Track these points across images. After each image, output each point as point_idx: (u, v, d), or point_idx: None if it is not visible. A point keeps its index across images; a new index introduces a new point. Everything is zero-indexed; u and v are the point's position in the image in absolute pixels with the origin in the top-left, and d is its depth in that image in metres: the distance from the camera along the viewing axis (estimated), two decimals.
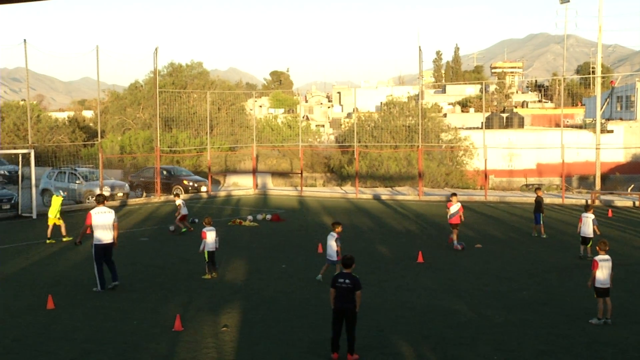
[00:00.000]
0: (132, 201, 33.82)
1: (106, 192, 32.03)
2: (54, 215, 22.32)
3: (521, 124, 53.75)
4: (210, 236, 16.68)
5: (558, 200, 32.79)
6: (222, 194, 38.45)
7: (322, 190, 40.16)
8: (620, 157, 47.50)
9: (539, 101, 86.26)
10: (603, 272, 12.60)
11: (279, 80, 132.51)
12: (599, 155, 36.52)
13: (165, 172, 37.62)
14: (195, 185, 37.62)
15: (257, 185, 40.39)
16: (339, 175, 45.76)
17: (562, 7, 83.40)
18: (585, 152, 42.56)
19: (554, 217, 27.17)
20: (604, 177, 40.17)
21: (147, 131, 51.16)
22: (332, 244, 15.86)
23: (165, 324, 12.57)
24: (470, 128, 51.09)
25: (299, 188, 39.42)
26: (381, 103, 58.55)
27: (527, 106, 77.39)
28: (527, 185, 43.16)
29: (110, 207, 16.41)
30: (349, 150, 43.40)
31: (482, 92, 47.80)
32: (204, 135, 44.02)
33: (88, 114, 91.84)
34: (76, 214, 28.31)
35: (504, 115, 55.73)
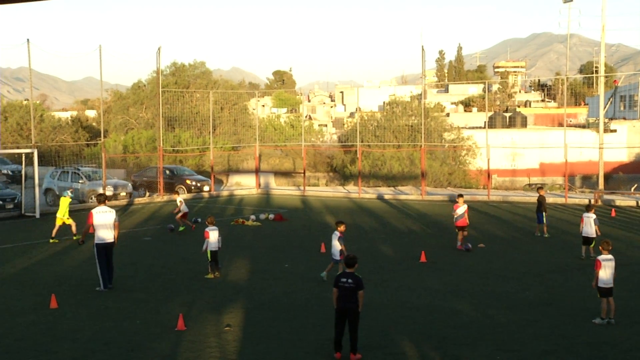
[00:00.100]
0: (135, 200, 33.85)
1: (109, 191, 32.06)
2: (62, 215, 22.33)
3: (524, 124, 53.67)
4: (213, 236, 16.70)
5: (561, 200, 32.75)
6: (225, 193, 38.46)
7: (324, 190, 40.15)
8: (624, 156, 47.40)
9: (542, 101, 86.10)
10: (606, 271, 12.58)
11: (282, 79, 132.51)
12: (602, 154, 36.43)
13: (168, 172, 37.64)
14: (198, 184, 37.65)
15: (259, 185, 40.40)
16: (342, 175, 45.75)
17: (565, 7, 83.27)
18: (588, 152, 42.46)
19: (557, 216, 27.14)
20: (607, 177, 40.07)
21: (150, 131, 51.18)
22: (336, 243, 15.89)
23: (168, 323, 12.58)
24: (473, 127, 51.04)
25: (301, 188, 39.41)
26: (384, 102, 58.50)
27: (530, 106, 77.27)
28: (530, 185, 43.08)
29: (116, 207, 16.44)
30: (352, 150, 43.38)
31: (484, 92, 47.78)
32: (207, 135, 44.04)
33: (91, 113, 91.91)
34: (79, 214, 28.32)
35: (507, 114, 55.65)
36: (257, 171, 40.96)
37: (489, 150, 35.07)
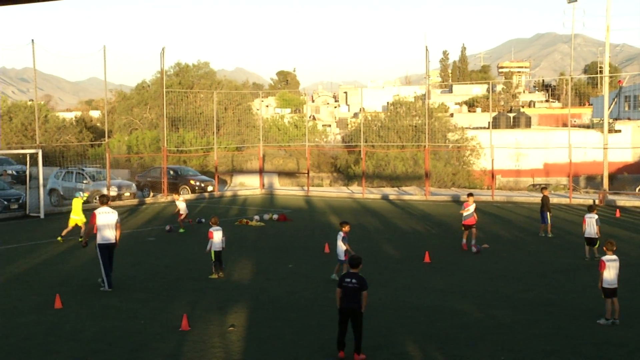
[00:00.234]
0: (139, 201, 33.91)
1: (113, 192, 32.13)
2: (76, 216, 22.25)
3: (528, 124, 53.59)
4: (217, 236, 16.71)
5: (565, 201, 32.69)
6: (229, 193, 38.50)
7: (328, 190, 40.16)
8: (628, 156, 47.28)
9: (546, 101, 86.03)
10: (610, 272, 12.55)
11: (286, 80, 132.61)
12: (607, 155, 36.34)
13: (172, 172, 37.69)
14: (202, 185, 37.68)
15: (263, 185, 40.42)
16: (346, 175, 45.74)
17: (569, 7, 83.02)
18: (592, 152, 42.38)
19: (561, 217, 27.09)
20: (612, 177, 39.97)
21: (154, 131, 51.24)
22: (340, 244, 15.90)
23: (172, 323, 12.60)
24: (477, 128, 50.96)
25: (305, 188, 39.42)
26: (388, 103, 58.52)
27: (534, 106, 77.18)
28: (534, 185, 43.01)
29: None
30: (356, 150, 43.37)
31: (489, 92, 47.73)
32: (211, 135, 44.07)
33: (95, 114, 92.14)
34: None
35: (511, 115, 55.59)
36: (261, 171, 40.98)
37: (493, 151, 35.03)
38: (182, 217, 24.53)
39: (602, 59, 59.26)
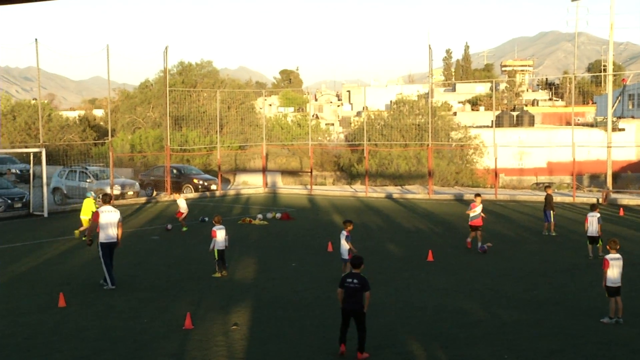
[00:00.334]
0: (142, 200, 33.96)
1: (117, 190, 32.17)
2: (85, 216, 22.30)
3: (531, 123, 53.49)
4: (220, 235, 16.72)
5: (569, 199, 32.64)
6: (232, 192, 38.51)
7: (331, 189, 40.15)
8: (632, 155, 47.19)
9: (550, 99, 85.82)
10: (614, 271, 12.53)
11: (289, 78, 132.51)
12: (610, 153, 36.26)
13: (175, 171, 37.73)
14: (205, 183, 37.72)
15: (266, 184, 40.43)
16: (349, 174, 45.74)
17: (573, 5, 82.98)
18: (596, 151, 42.28)
19: (565, 215, 27.05)
20: (616, 176, 39.89)
21: (157, 130, 51.31)
22: (344, 243, 15.91)
23: (176, 322, 12.61)
24: (480, 126, 50.91)
25: (308, 187, 39.42)
26: (391, 101, 58.43)
27: (537, 104, 77.02)
28: (537, 184, 42.95)
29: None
30: (359, 149, 43.35)
31: (492, 91, 47.65)
32: (214, 134, 44.09)
33: (98, 112, 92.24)
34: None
35: (514, 113, 55.47)
36: (264, 170, 40.98)
37: (497, 149, 34.99)
38: (183, 215, 24.55)
39: (606, 57, 59.17)
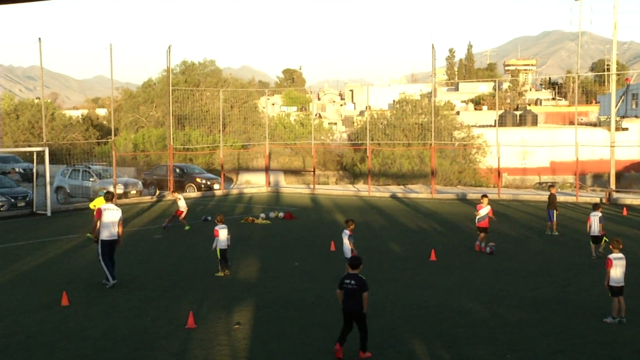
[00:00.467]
0: (145, 199, 34.00)
1: (120, 189, 32.21)
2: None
3: (535, 122, 53.43)
4: (222, 234, 16.73)
5: (572, 199, 32.60)
6: (235, 191, 38.53)
7: (334, 188, 40.15)
8: (635, 154, 47.10)
9: (553, 99, 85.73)
10: (617, 270, 12.50)
11: (292, 78, 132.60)
12: (614, 153, 36.21)
13: (178, 170, 37.77)
14: (208, 183, 37.76)
15: (269, 183, 40.45)
16: (352, 173, 45.74)
17: (576, 4, 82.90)
18: (599, 150, 42.24)
19: (568, 215, 27.02)
20: (619, 175, 39.84)
21: (160, 129, 51.36)
22: (347, 242, 15.90)
23: (178, 321, 12.62)
24: (483, 126, 50.87)
25: (311, 186, 39.43)
26: (394, 101, 58.48)
27: (540, 104, 76.94)
28: (540, 184, 42.93)
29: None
30: (362, 148, 43.34)
31: (495, 90, 47.59)
32: (217, 133, 44.12)
33: (102, 112, 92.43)
34: (90, 212, 28.43)
35: (517, 113, 55.42)
36: (266, 169, 41.00)
37: (499, 149, 34.96)
38: (183, 214, 24.58)
39: (609, 56, 59.04)
